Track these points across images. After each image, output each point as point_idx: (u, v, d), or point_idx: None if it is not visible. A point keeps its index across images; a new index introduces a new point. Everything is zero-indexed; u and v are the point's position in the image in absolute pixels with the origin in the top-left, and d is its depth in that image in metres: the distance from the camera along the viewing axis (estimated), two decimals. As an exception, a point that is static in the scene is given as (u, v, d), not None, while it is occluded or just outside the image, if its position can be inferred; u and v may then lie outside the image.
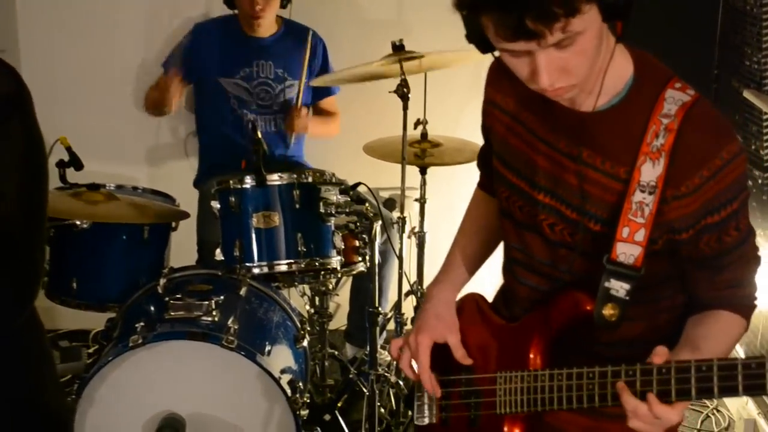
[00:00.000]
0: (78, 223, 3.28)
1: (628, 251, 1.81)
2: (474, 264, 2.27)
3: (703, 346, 1.80)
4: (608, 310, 1.82)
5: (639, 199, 1.79)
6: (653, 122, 1.79)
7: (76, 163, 3.48)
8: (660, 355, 1.70)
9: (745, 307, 1.91)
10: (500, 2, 1.63)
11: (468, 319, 2.16)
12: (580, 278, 1.93)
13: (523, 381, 1.96)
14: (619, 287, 1.81)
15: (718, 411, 4.04)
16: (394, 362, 3.81)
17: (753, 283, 1.92)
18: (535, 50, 1.67)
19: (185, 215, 3.58)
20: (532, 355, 1.98)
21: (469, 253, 2.27)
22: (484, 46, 1.81)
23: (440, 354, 2.13)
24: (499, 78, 2.06)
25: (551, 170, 1.92)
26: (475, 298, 2.22)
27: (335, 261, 3.30)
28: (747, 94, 3.76)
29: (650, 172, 1.78)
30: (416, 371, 2.17)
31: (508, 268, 2.13)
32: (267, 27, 4.27)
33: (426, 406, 2.19)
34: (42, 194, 1.88)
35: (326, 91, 4.44)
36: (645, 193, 1.79)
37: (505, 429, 2.00)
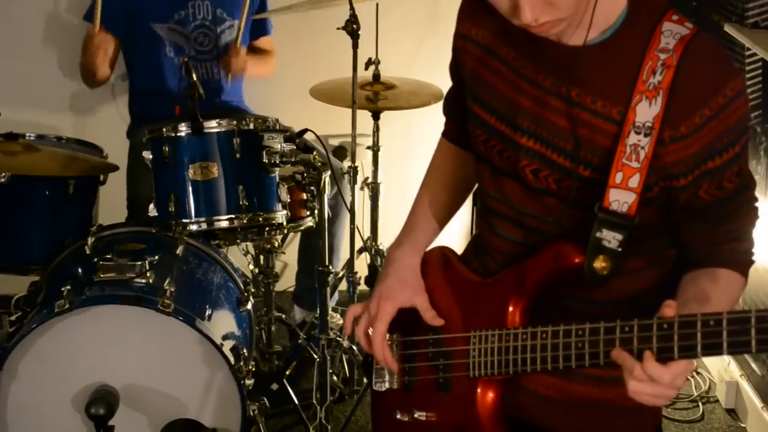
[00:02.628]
0: (-6, 177, 3.24)
1: (621, 198, 1.79)
2: (439, 222, 2.24)
3: (707, 306, 1.76)
4: (599, 263, 1.81)
5: (634, 142, 1.77)
6: (649, 58, 1.77)
7: (-9, 110, 3.43)
8: (671, 307, 1.65)
9: (745, 263, 1.89)
10: None
11: (436, 275, 2.14)
12: (568, 229, 1.91)
13: (501, 340, 1.93)
14: (611, 238, 1.80)
15: (697, 373, 4.10)
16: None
17: (752, 237, 1.90)
18: None
19: (114, 167, 3.54)
20: (510, 312, 1.95)
21: (433, 210, 2.23)
22: None
23: (406, 315, 2.10)
24: (475, 9, 2.01)
25: (536, 111, 1.89)
26: (444, 252, 2.19)
27: (281, 216, 3.27)
28: (728, 28, 3.77)
29: (646, 112, 1.76)
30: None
31: (483, 218, 2.10)
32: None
33: (386, 370, 2.16)
34: None
35: (261, 30, 4.39)
36: (640, 135, 1.77)
37: (479, 392, 1.99)
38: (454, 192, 2.25)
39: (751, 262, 1.91)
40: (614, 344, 1.70)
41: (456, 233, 4.45)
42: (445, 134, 2.28)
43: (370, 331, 2.12)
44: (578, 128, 1.84)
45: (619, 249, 1.80)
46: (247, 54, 4.23)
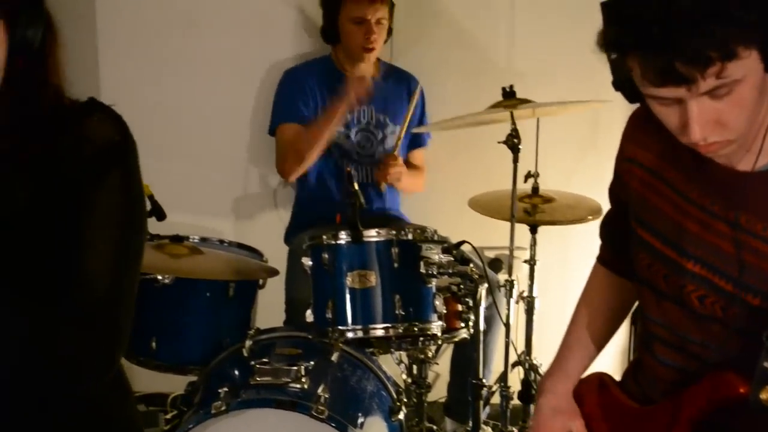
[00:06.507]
0: (160, 277, 3.33)
1: None
2: (592, 349, 2.24)
3: None
4: (766, 394, 1.74)
5: None
6: None
7: (158, 212, 3.53)
8: None
9: None
10: (649, 42, 1.61)
11: (594, 402, 2.13)
12: (732, 358, 1.87)
13: None
14: None
15: None
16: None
17: None
18: (686, 98, 1.65)
19: (274, 272, 3.61)
20: None
21: (586, 338, 2.24)
22: (632, 94, 1.79)
23: None
24: (639, 131, 2.02)
25: (703, 236, 1.88)
26: (602, 378, 2.18)
27: (436, 326, 3.27)
28: None
29: None
30: None
31: (646, 345, 2.08)
32: (368, 66, 4.35)
33: None
34: (136, 253, 1.93)
35: (418, 142, 4.49)
36: None
37: None
38: (609, 320, 2.23)
39: None
40: None
41: (612, 355, 4.41)
42: (600, 259, 2.28)
43: None
44: (746, 254, 1.81)
45: None
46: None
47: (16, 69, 1.76)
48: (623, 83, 1.79)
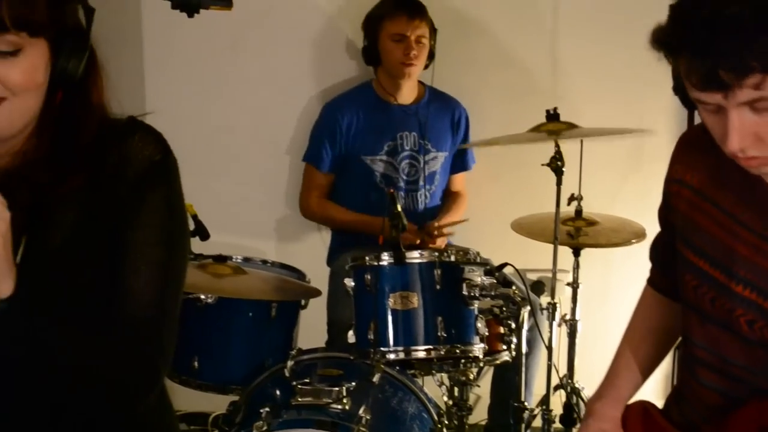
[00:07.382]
0: (203, 297, 3.35)
1: None
2: (642, 374, 2.22)
3: None
4: None
5: None
6: None
7: (202, 232, 3.54)
8: None
9: None
10: (694, 45, 1.62)
11: (638, 427, 2.11)
12: None
13: None
14: None
15: None
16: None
17: None
18: (725, 106, 1.64)
19: (316, 293, 3.61)
20: None
21: (636, 362, 2.22)
22: (686, 99, 1.79)
23: None
24: (688, 153, 2.02)
25: (754, 259, 1.85)
26: (644, 406, 2.16)
27: (478, 349, 3.26)
28: None
29: None
30: None
31: (688, 368, 2.05)
32: (409, 91, 4.36)
33: None
34: (179, 271, 1.94)
35: (462, 165, 4.51)
36: None
37: None
38: (658, 343, 2.21)
39: None
40: None
41: (656, 380, 4.37)
42: (650, 282, 2.26)
43: None
44: None
45: None
46: (442, 218, 4.32)
47: (55, 101, 1.77)
48: (680, 87, 1.78)
